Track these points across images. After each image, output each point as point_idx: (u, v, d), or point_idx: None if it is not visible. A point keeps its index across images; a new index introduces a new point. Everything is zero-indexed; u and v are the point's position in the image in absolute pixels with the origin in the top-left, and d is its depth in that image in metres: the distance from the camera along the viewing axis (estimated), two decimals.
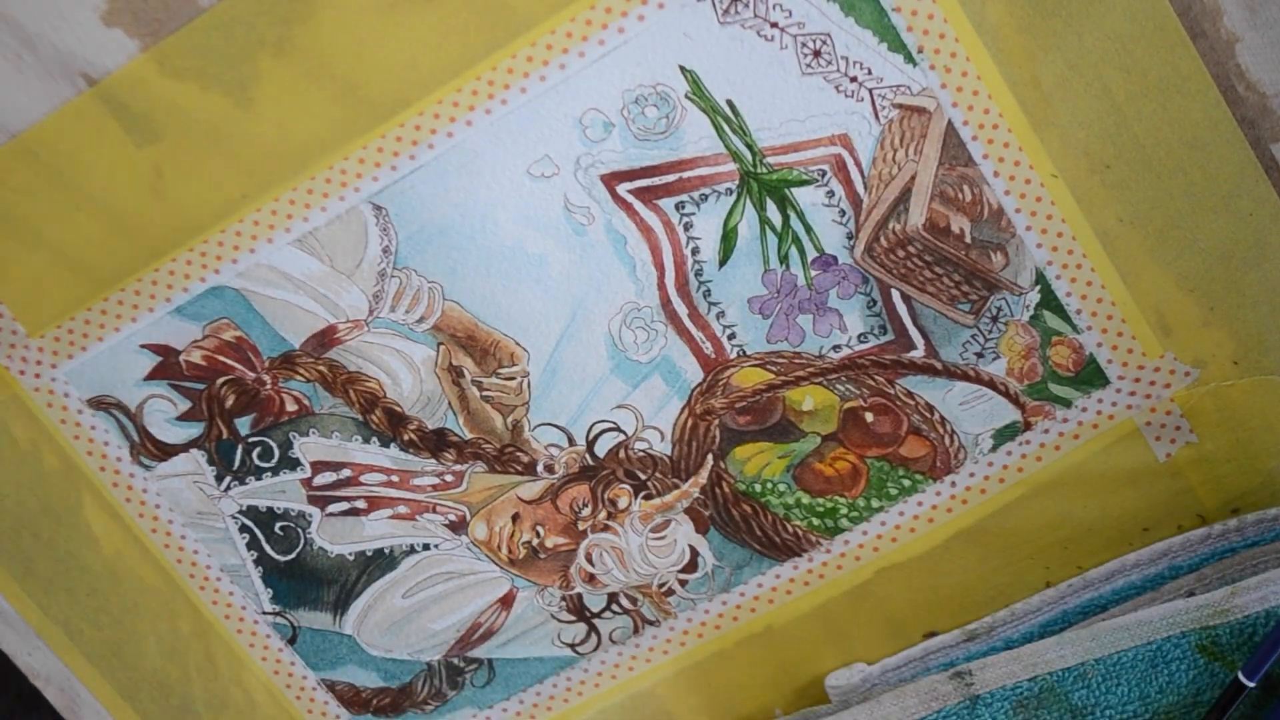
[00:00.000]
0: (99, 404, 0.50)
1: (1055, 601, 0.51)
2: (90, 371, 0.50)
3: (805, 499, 0.51)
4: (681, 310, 0.48)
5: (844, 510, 0.51)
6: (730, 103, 0.46)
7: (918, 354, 0.49)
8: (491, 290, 0.48)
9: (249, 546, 0.52)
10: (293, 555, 0.52)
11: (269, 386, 0.50)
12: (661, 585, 0.52)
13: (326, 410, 0.50)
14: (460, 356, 0.49)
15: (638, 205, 0.47)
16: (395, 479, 0.51)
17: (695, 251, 0.48)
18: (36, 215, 0.47)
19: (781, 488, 0.50)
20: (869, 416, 0.49)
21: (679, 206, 0.47)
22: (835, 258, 0.48)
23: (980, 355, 0.49)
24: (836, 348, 0.49)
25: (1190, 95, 0.45)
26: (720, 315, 0.48)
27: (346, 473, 0.51)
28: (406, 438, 0.50)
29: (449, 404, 0.50)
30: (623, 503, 0.51)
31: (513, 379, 0.49)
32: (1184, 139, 0.45)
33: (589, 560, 0.52)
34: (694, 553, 0.52)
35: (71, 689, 0.54)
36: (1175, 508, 0.50)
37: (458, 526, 0.51)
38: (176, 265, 0.48)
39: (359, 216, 0.47)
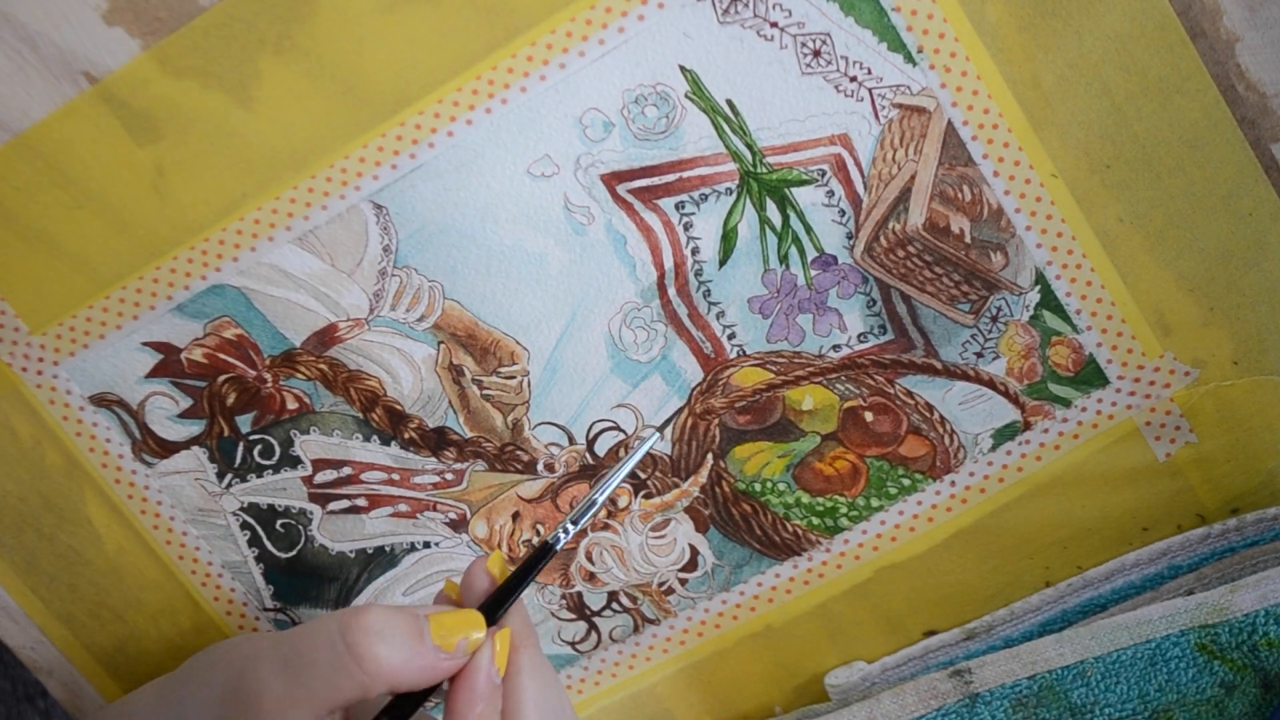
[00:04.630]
0: (101, 401, 0.50)
1: (1055, 601, 0.51)
2: (92, 368, 0.50)
3: (805, 498, 0.51)
4: (681, 310, 0.48)
5: (843, 509, 0.51)
6: (730, 102, 0.46)
7: (918, 354, 0.49)
8: (492, 289, 0.48)
9: (250, 543, 0.52)
10: (294, 552, 0.52)
11: (270, 384, 0.50)
12: (661, 584, 0.52)
13: (327, 408, 0.50)
14: (460, 355, 0.49)
15: (637, 205, 0.47)
16: (396, 477, 0.51)
17: (695, 251, 0.48)
18: (38, 213, 0.47)
19: (781, 487, 0.51)
20: (869, 416, 0.49)
21: (679, 206, 0.47)
22: (835, 257, 0.48)
23: (980, 355, 0.49)
24: (836, 347, 0.49)
25: (1190, 95, 0.45)
26: (720, 315, 0.48)
27: (347, 470, 0.51)
28: (407, 436, 0.50)
29: (449, 402, 0.50)
30: (622, 502, 0.51)
31: (513, 378, 0.49)
32: (1184, 139, 0.45)
33: (589, 559, 0.52)
34: (694, 551, 0.52)
35: (74, 683, 0.54)
36: (1175, 507, 0.50)
37: (458, 524, 0.51)
38: (178, 263, 0.48)
39: (359, 215, 0.47)
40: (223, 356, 0.50)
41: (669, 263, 0.48)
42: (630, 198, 0.47)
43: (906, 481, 0.50)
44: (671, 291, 0.48)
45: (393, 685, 0.39)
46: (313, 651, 0.39)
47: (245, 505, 0.52)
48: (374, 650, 0.38)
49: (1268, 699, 0.47)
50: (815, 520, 0.51)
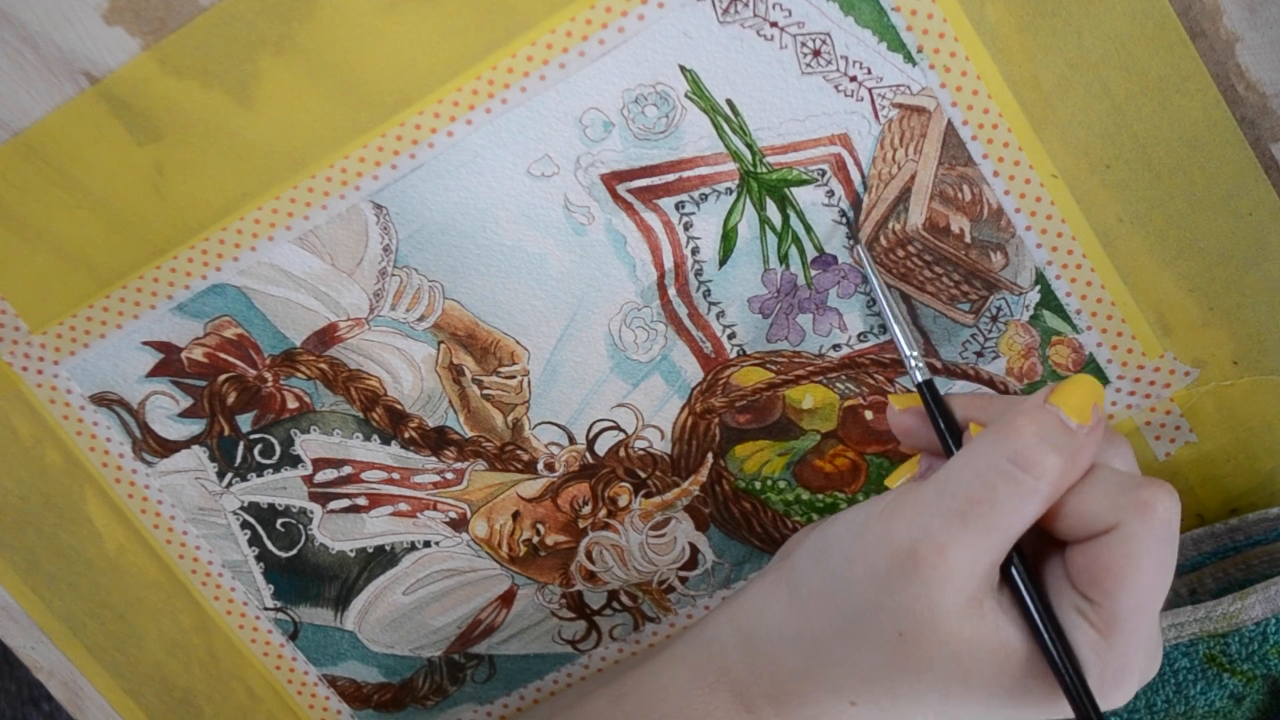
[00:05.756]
0: (101, 400, 0.50)
1: None
2: (92, 368, 0.50)
3: (805, 495, 0.51)
4: (681, 310, 0.48)
5: (843, 506, 0.51)
6: (730, 102, 0.46)
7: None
8: (492, 289, 0.48)
9: (250, 543, 0.52)
10: (294, 552, 0.52)
11: (270, 384, 0.50)
12: (661, 582, 0.52)
13: (327, 408, 0.50)
14: (460, 355, 0.49)
15: (637, 205, 0.47)
16: (396, 476, 0.51)
17: (695, 251, 0.48)
18: (38, 213, 0.47)
19: (781, 485, 0.51)
20: (869, 414, 0.49)
21: (679, 206, 0.47)
22: (835, 257, 0.48)
23: (980, 355, 0.49)
24: (836, 347, 0.49)
25: (1190, 95, 0.45)
26: (720, 315, 0.48)
27: (347, 470, 0.51)
28: (407, 435, 0.50)
29: (449, 402, 0.50)
30: (623, 501, 0.51)
31: (513, 377, 0.49)
32: (1184, 139, 0.45)
33: (589, 558, 0.52)
34: (694, 550, 0.52)
35: (75, 683, 0.54)
36: None
37: (458, 524, 0.52)
38: (178, 263, 0.48)
39: (360, 215, 0.47)
40: (223, 356, 0.50)
41: (669, 263, 0.48)
42: (630, 198, 0.47)
43: None
44: (671, 291, 0.48)
45: (1064, 489, 0.37)
46: (987, 492, 0.37)
47: (245, 504, 0.52)
48: (1047, 459, 0.37)
49: (1276, 705, 0.47)
50: (815, 517, 0.51)
